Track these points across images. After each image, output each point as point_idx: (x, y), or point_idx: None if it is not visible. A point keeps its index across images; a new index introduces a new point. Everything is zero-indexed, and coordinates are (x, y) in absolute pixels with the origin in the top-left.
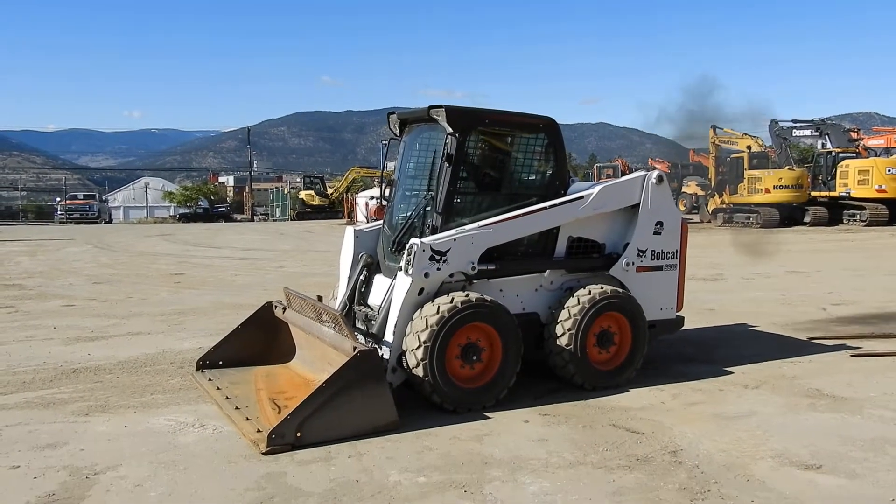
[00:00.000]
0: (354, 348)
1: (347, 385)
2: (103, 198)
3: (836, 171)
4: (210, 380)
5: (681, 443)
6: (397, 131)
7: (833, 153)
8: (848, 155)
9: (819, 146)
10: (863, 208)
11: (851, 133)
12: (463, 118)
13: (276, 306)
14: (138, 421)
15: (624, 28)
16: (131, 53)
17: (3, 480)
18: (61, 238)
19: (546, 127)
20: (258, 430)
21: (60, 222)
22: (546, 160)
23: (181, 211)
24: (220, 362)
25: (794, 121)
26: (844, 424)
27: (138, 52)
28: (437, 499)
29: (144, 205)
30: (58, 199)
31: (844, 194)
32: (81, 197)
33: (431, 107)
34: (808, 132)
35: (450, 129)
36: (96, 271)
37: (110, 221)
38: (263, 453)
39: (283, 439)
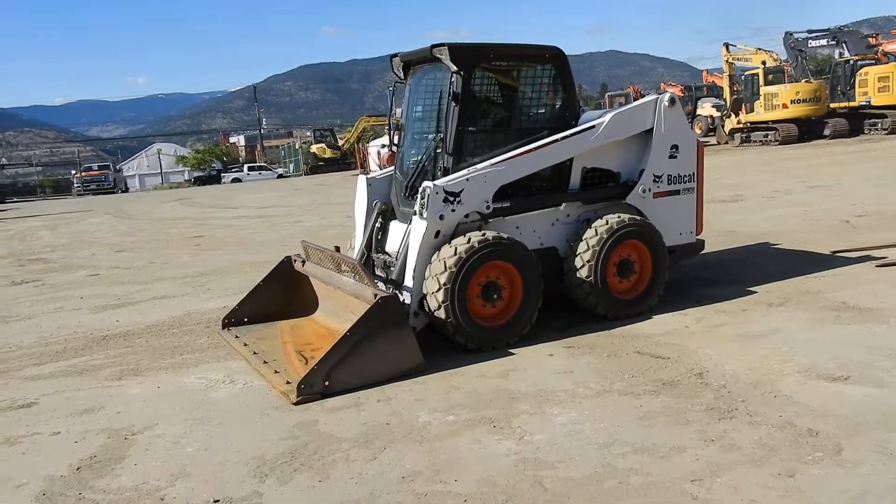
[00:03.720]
0: (375, 295)
1: (371, 332)
2: (118, 167)
3: (854, 80)
4: (237, 337)
5: (706, 365)
6: (401, 74)
7: (851, 61)
8: (867, 62)
9: (836, 55)
10: (884, 116)
11: (870, 39)
12: (467, 55)
13: (295, 260)
14: (170, 381)
15: None
16: (131, 20)
17: (46, 446)
18: (80, 210)
19: (552, 57)
20: (287, 382)
21: (78, 195)
22: (555, 91)
23: (196, 174)
24: (245, 319)
25: (810, 31)
26: (871, 335)
27: (137, 18)
28: (467, 435)
29: (159, 171)
30: (73, 171)
31: (864, 103)
32: (96, 168)
33: (434, 46)
34: (824, 42)
35: (454, 68)
36: (117, 240)
37: (126, 190)
38: (294, 403)
39: (313, 389)
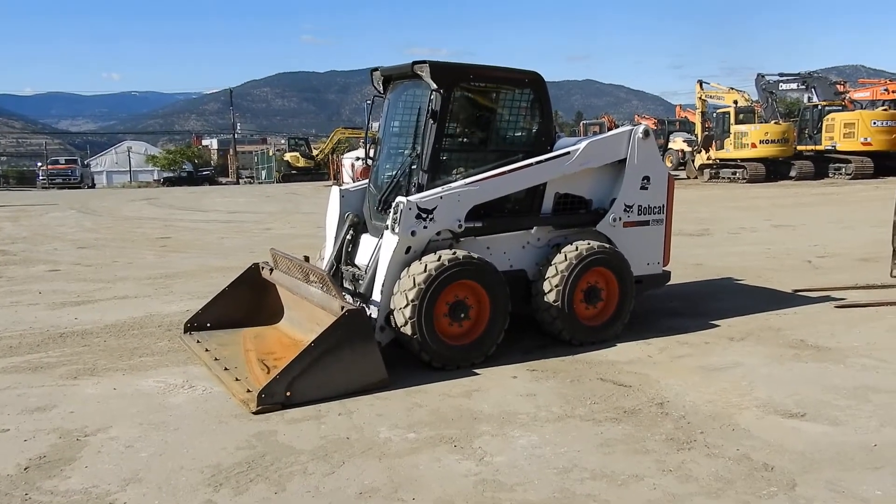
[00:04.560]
0: (342, 307)
1: (336, 344)
2: (86, 162)
3: (821, 125)
4: (198, 342)
5: (667, 395)
6: (381, 88)
7: (819, 106)
8: (834, 108)
9: (805, 100)
10: (848, 161)
11: (838, 86)
12: (447, 74)
13: (262, 267)
14: (127, 383)
15: None
16: (108, 13)
17: None
18: (44, 203)
19: (532, 82)
20: (248, 391)
21: (42, 188)
22: (532, 116)
23: (165, 175)
24: (208, 324)
25: (781, 74)
26: (828, 373)
27: (115, 13)
28: (427, 453)
29: (128, 169)
30: (39, 164)
31: (830, 148)
32: (63, 162)
33: (415, 62)
34: (794, 85)
35: (434, 85)
36: (81, 236)
37: (93, 186)
38: (254, 412)
39: (273, 399)
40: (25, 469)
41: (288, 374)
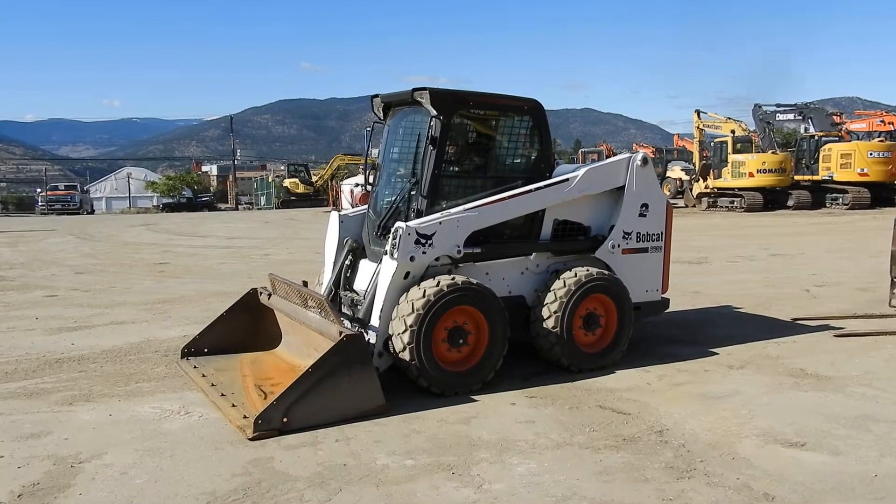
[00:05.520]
0: (340, 333)
1: (334, 369)
2: (85, 188)
3: (818, 155)
4: (195, 367)
5: (667, 423)
6: (381, 114)
7: (816, 137)
8: (831, 139)
9: (802, 130)
10: (845, 192)
11: (834, 117)
12: (447, 100)
13: (261, 293)
14: (123, 409)
15: (610, 13)
16: (110, 41)
17: None
18: (43, 229)
19: (531, 109)
20: (244, 417)
21: (42, 213)
22: (531, 142)
23: (164, 201)
24: (206, 350)
25: (778, 105)
26: (828, 403)
27: (117, 40)
28: (425, 481)
29: (127, 195)
30: (38, 190)
31: (827, 178)
32: (63, 188)
33: (415, 89)
34: (791, 116)
35: (434, 112)
36: (79, 261)
37: (92, 212)
38: (250, 439)
39: (270, 424)
40: (19, 496)
41: (285, 400)
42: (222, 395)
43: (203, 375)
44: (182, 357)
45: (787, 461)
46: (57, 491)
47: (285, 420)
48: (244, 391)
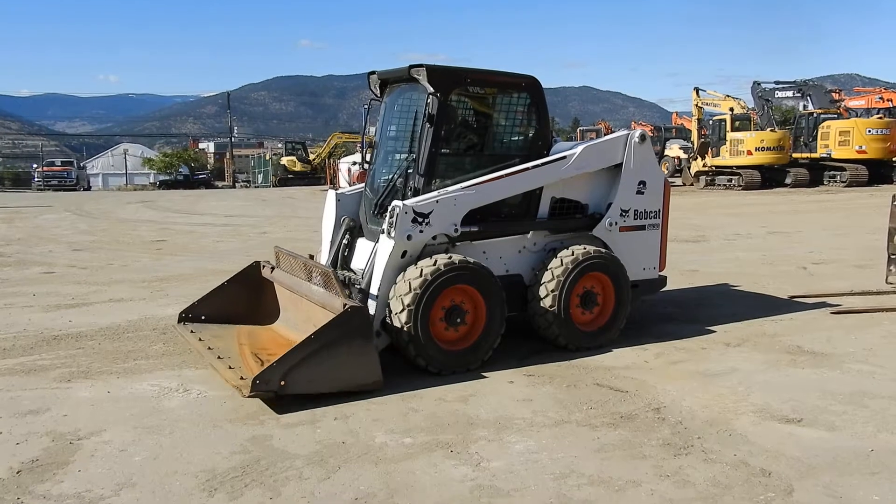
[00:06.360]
0: (344, 304)
1: (335, 340)
2: (81, 164)
3: (817, 133)
4: (192, 332)
5: (664, 400)
6: (378, 91)
7: (814, 114)
8: (829, 116)
9: (801, 108)
10: (843, 169)
11: (833, 94)
12: (444, 77)
13: (263, 266)
14: (122, 386)
15: None
16: (106, 16)
17: None
18: (39, 205)
19: (529, 86)
20: (241, 378)
21: (38, 189)
22: (529, 120)
23: (161, 178)
24: (203, 317)
25: (777, 82)
26: (824, 379)
27: (113, 15)
28: (423, 459)
29: (124, 172)
30: (34, 165)
31: (825, 155)
32: (59, 163)
33: (412, 66)
34: (790, 94)
35: (431, 89)
36: (76, 238)
37: (89, 189)
38: (247, 396)
39: (268, 386)
40: (18, 473)
41: (285, 363)
42: (219, 357)
43: (200, 339)
44: (179, 322)
45: (783, 437)
46: (56, 467)
47: (283, 383)
48: (241, 357)
